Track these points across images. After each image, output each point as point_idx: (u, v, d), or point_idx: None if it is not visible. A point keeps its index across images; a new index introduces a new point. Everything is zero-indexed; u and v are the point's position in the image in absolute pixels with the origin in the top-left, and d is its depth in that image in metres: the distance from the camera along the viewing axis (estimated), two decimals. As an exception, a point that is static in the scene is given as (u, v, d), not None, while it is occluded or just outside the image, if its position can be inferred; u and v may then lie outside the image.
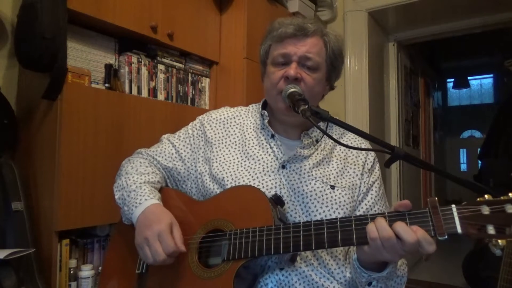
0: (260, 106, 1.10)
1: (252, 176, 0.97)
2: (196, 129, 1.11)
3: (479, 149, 3.11)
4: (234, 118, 1.11)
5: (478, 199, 0.70)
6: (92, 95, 1.42)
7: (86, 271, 1.37)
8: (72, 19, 1.39)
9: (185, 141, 1.10)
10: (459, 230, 0.68)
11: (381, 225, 0.72)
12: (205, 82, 2.03)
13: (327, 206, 0.93)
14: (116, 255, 1.05)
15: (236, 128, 1.08)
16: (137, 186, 0.98)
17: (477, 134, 7.14)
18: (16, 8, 1.39)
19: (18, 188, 1.30)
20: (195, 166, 1.07)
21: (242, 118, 1.10)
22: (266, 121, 1.04)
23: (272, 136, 1.03)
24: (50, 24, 1.25)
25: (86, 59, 1.52)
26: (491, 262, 2.18)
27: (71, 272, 1.36)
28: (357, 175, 1.00)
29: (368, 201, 0.99)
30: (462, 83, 7.11)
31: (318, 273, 0.90)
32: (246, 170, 0.98)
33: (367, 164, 1.02)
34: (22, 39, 1.30)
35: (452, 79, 7.19)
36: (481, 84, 7.29)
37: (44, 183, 1.34)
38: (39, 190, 1.36)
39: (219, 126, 1.09)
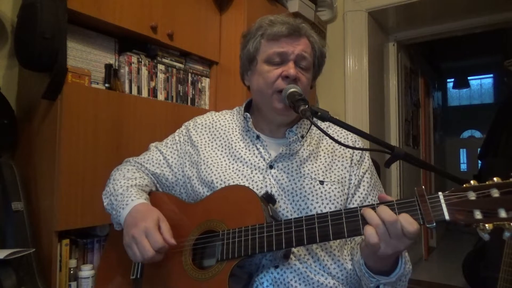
0: (243, 108, 1.10)
1: (240, 178, 0.97)
2: (182, 135, 1.12)
3: (479, 149, 3.10)
4: (219, 121, 1.11)
5: (464, 185, 0.70)
6: (92, 95, 1.42)
7: (86, 271, 1.37)
8: (72, 19, 1.39)
9: (172, 148, 1.11)
10: (446, 217, 0.69)
11: (371, 215, 0.72)
12: (205, 82, 2.03)
13: (317, 202, 0.93)
14: (109, 263, 1.05)
15: (222, 131, 1.08)
16: (124, 189, 0.98)
17: (477, 134, 7.13)
18: (16, 8, 1.39)
19: (18, 188, 1.30)
20: (183, 171, 1.07)
21: (227, 121, 1.11)
22: (249, 123, 1.03)
23: (257, 137, 1.03)
24: (50, 24, 1.25)
25: (86, 59, 1.52)
26: (491, 262, 2.18)
27: (71, 272, 1.36)
28: (345, 168, 1.00)
29: (361, 193, 0.99)
30: (462, 83, 7.11)
31: (312, 270, 0.90)
32: (234, 172, 0.98)
33: (355, 155, 1.02)
34: (22, 39, 1.30)
35: (452, 79, 7.19)
36: (481, 84, 7.29)
37: (44, 183, 1.34)
38: (39, 190, 1.36)
39: (205, 130, 1.10)
